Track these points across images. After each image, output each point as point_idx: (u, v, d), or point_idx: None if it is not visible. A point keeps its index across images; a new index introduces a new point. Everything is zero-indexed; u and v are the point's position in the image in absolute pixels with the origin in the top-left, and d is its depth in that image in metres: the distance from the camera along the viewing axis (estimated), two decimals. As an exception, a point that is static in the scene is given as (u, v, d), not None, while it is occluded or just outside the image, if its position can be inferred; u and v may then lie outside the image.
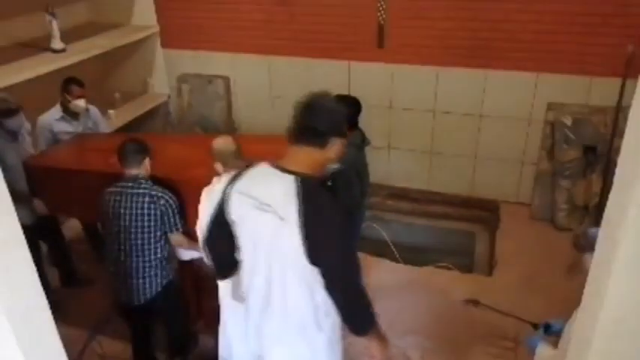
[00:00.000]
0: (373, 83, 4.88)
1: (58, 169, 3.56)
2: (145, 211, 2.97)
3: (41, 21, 4.45)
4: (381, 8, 4.63)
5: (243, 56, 5.30)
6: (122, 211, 2.99)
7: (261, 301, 2.03)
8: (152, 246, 3.03)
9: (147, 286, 3.07)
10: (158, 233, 3.03)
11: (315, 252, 1.81)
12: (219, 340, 3.12)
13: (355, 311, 1.97)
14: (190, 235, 3.08)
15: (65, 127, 3.96)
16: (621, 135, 1.27)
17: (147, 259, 3.04)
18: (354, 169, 3.39)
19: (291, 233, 1.82)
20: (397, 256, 4.54)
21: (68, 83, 3.93)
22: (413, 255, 4.59)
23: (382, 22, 4.68)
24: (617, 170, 1.23)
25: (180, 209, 3.08)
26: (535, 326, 2.68)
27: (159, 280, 3.11)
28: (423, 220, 5.06)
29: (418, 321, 3.82)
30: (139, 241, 3.01)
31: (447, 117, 4.84)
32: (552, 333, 2.36)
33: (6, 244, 1.12)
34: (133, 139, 3.11)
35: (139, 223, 2.98)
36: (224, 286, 2.93)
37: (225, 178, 2.14)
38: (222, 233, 2.02)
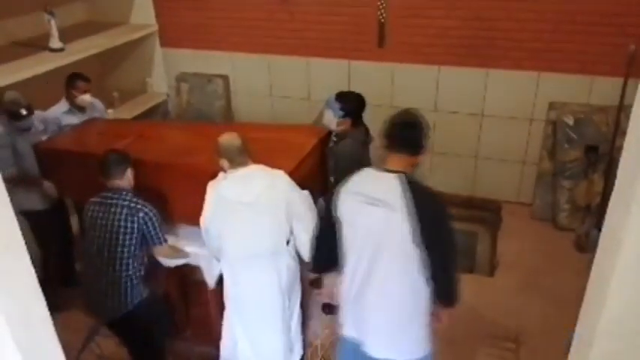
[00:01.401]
0: (373, 82, 4.86)
1: (68, 151, 3.56)
2: (122, 224, 2.84)
3: (40, 20, 4.45)
4: (381, 7, 4.61)
5: (242, 55, 5.28)
6: (100, 222, 2.87)
7: (362, 289, 2.32)
8: (124, 261, 2.88)
9: (115, 304, 2.93)
10: (133, 248, 2.88)
11: (424, 236, 2.13)
12: (223, 341, 3.13)
13: (453, 288, 2.32)
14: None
15: (72, 120, 4.03)
16: (623, 134, 1.26)
17: (118, 274, 2.89)
18: (359, 164, 3.36)
19: (401, 220, 2.14)
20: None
21: (74, 79, 3.98)
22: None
23: (382, 20, 4.66)
24: (619, 170, 1.22)
25: (162, 222, 2.95)
26: None
27: (128, 299, 2.94)
28: (424, 220, 5.02)
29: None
30: (112, 255, 2.86)
31: (448, 116, 4.82)
32: None
33: (6, 248, 1.12)
34: (114, 150, 3.03)
35: (114, 236, 2.85)
36: (230, 289, 2.95)
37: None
38: (330, 231, 2.35)
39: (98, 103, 4.28)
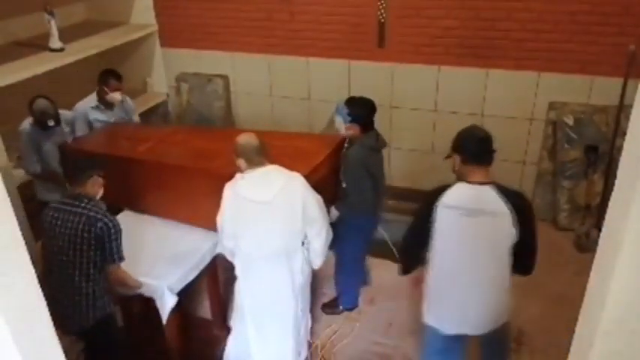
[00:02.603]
0: (373, 82, 4.85)
1: (91, 153, 3.59)
2: (79, 233, 2.71)
3: (40, 20, 4.44)
4: (381, 7, 4.61)
5: (242, 55, 5.28)
6: (58, 230, 2.75)
7: (464, 290, 2.58)
8: (84, 271, 2.76)
9: (76, 315, 2.78)
10: (93, 258, 2.76)
11: (522, 230, 2.44)
12: (231, 341, 3.15)
13: (534, 263, 2.65)
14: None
15: (99, 116, 4.12)
16: (623, 134, 1.26)
17: (77, 285, 2.76)
18: (366, 170, 3.37)
19: (507, 225, 2.42)
20: (397, 256, 4.51)
21: (107, 76, 4.05)
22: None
23: (382, 20, 4.65)
24: (619, 170, 1.22)
25: (119, 238, 2.81)
26: None
27: (90, 313, 2.81)
28: (424, 220, 5.02)
29: (419, 322, 3.78)
30: (70, 264, 2.74)
31: (448, 116, 4.81)
32: None
33: (5, 249, 1.12)
34: (85, 156, 3.00)
35: (71, 245, 2.72)
36: (244, 290, 3.00)
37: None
38: (421, 239, 2.58)
39: (128, 102, 4.39)
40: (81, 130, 4.12)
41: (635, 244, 1.12)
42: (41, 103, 3.64)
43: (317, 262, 3.07)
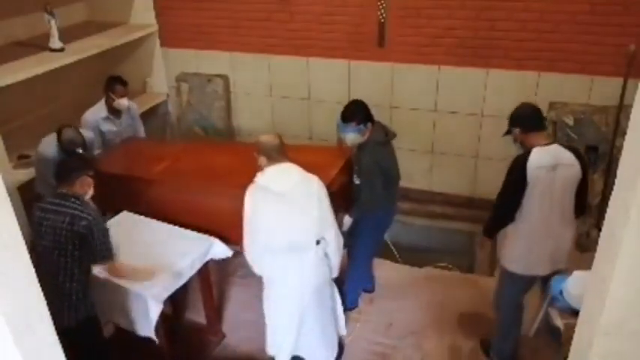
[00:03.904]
0: (373, 82, 4.86)
1: (106, 173, 3.60)
2: (63, 232, 2.68)
3: (40, 20, 4.44)
4: (381, 7, 4.61)
5: (242, 55, 5.28)
6: (44, 229, 2.73)
7: (553, 229, 3.01)
8: (68, 271, 2.72)
9: (56, 315, 2.73)
10: (77, 257, 2.72)
11: (583, 173, 2.97)
12: (273, 338, 3.22)
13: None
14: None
15: (110, 127, 4.19)
16: (623, 134, 1.25)
17: (61, 285, 2.72)
18: (379, 166, 3.39)
19: (576, 170, 2.93)
20: (397, 256, 4.52)
21: (113, 83, 4.08)
22: (413, 255, 4.56)
23: (382, 20, 4.65)
24: (619, 170, 1.22)
25: (107, 236, 2.77)
26: None
27: (72, 313, 2.76)
28: (424, 221, 5.03)
29: (418, 322, 3.80)
30: (56, 263, 2.71)
31: (449, 116, 4.82)
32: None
33: (5, 249, 1.13)
34: (77, 156, 2.98)
35: (55, 245, 2.69)
36: (266, 284, 3.08)
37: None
38: (517, 193, 2.99)
39: (134, 108, 4.45)
40: (95, 142, 4.10)
41: (635, 244, 1.12)
42: (69, 133, 3.61)
43: (334, 264, 3.15)
